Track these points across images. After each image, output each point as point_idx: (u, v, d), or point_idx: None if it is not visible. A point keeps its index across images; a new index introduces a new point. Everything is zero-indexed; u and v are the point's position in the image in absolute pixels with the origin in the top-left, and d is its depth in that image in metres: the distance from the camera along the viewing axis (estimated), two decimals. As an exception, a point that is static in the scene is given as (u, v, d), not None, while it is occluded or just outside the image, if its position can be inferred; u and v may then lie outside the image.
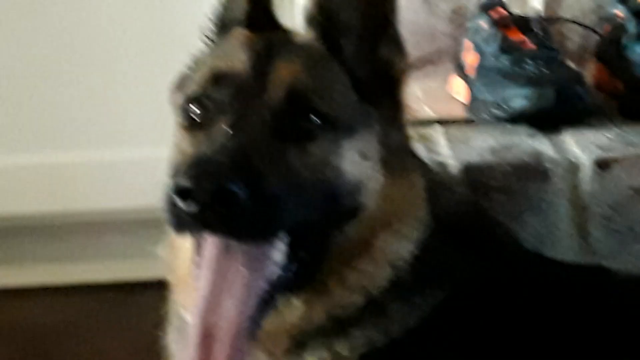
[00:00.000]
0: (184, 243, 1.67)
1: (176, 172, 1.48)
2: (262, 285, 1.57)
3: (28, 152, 2.93)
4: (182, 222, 1.47)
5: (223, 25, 1.81)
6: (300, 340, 1.69)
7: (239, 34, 1.75)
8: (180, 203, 1.44)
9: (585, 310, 1.74)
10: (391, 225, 1.70)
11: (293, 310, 1.67)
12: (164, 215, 1.48)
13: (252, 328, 1.55)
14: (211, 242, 1.57)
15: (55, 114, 2.95)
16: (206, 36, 1.82)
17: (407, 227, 1.71)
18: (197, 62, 1.76)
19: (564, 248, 2.12)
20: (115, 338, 2.36)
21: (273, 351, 1.69)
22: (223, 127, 1.57)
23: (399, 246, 1.70)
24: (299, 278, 1.63)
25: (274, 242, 1.58)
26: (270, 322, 1.63)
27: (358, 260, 1.68)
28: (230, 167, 1.46)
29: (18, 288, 2.94)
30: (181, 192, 1.44)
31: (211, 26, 1.82)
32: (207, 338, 1.53)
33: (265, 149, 1.55)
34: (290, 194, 1.54)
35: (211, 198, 1.43)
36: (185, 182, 1.43)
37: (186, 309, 1.63)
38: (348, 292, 1.68)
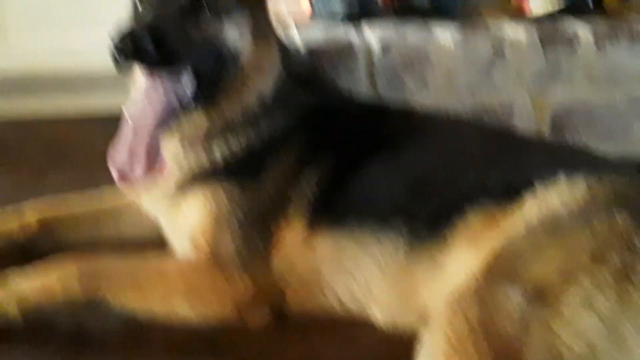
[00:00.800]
0: (136, 79, 1.71)
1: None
2: (173, 100, 1.63)
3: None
4: (118, 60, 1.55)
5: None
6: (209, 136, 1.74)
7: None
8: (116, 50, 1.53)
9: (373, 121, 1.83)
10: (257, 71, 1.75)
11: (201, 117, 1.73)
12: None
13: (164, 124, 1.62)
14: (144, 74, 1.63)
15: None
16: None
17: (267, 73, 1.77)
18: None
19: (364, 92, 2.17)
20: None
21: (194, 142, 1.75)
22: (146, 11, 1.63)
23: (262, 84, 1.76)
24: (203, 98, 1.69)
25: (182, 75, 1.63)
26: (188, 124, 1.71)
27: (237, 91, 1.73)
28: (142, 29, 1.54)
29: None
30: (117, 42, 1.53)
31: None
32: (136, 127, 1.60)
33: (173, 22, 1.60)
34: (186, 48, 1.60)
35: (130, 43, 1.52)
36: (119, 36, 1.52)
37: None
38: (232, 109, 1.74)
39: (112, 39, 1.52)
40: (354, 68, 2.18)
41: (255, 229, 1.67)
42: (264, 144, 1.74)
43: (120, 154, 1.58)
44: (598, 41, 2.18)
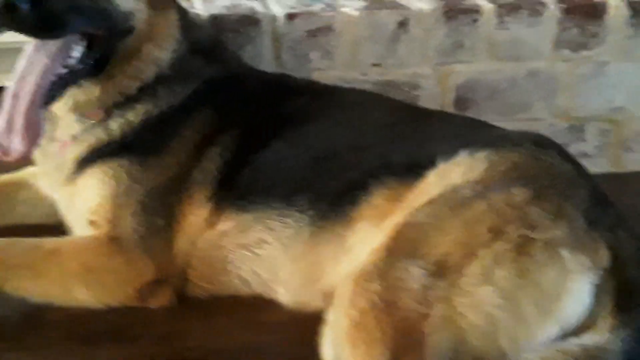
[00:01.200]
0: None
1: None
2: (60, 70, 1.56)
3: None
4: None
5: None
6: (105, 110, 1.69)
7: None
8: None
9: (277, 96, 1.81)
10: (154, 40, 1.69)
11: (94, 88, 1.66)
12: None
13: (49, 95, 1.55)
14: (31, 43, 1.55)
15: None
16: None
17: (165, 42, 1.71)
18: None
19: (268, 65, 2.15)
20: None
21: (90, 115, 1.69)
22: None
23: (160, 53, 1.70)
24: (94, 69, 1.62)
25: (70, 42, 1.56)
26: (80, 96, 1.64)
27: (133, 60, 1.67)
28: None
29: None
30: None
31: None
32: (14, 97, 1.53)
33: None
34: (72, 13, 1.51)
35: (3, 9, 1.42)
36: None
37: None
38: (128, 80, 1.68)
39: None
40: (258, 39, 2.15)
41: (156, 208, 1.65)
42: (163, 119, 1.69)
43: None
44: (499, 15, 2.20)
